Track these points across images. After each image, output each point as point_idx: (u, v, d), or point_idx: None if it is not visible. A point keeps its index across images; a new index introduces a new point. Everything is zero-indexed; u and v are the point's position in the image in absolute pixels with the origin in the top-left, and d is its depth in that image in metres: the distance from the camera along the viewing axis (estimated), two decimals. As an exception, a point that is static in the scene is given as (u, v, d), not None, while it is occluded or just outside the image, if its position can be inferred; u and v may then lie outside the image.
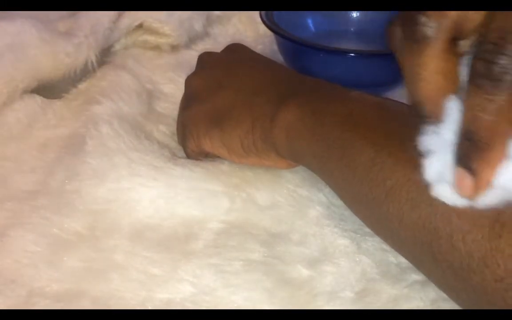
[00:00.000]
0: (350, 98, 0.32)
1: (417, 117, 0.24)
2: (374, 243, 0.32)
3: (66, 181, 0.37)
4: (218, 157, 0.38)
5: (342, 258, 0.32)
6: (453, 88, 0.23)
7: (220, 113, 0.36)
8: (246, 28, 0.60)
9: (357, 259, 0.32)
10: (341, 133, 0.30)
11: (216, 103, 0.37)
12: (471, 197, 0.22)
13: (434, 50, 0.23)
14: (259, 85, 0.36)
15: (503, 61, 0.20)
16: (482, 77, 0.21)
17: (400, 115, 0.30)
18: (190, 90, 0.39)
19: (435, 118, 0.24)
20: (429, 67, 0.23)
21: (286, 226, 0.34)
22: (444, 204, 0.24)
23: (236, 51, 0.42)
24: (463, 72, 0.23)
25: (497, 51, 0.20)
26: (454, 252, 0.24)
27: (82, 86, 0.49)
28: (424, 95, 0.24)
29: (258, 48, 0.57)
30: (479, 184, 0.22)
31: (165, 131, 0.41)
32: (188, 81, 0.40)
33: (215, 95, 0.37)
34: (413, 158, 0.25)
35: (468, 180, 0.22)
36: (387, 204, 0.27)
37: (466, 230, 0.23)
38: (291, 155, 0.34)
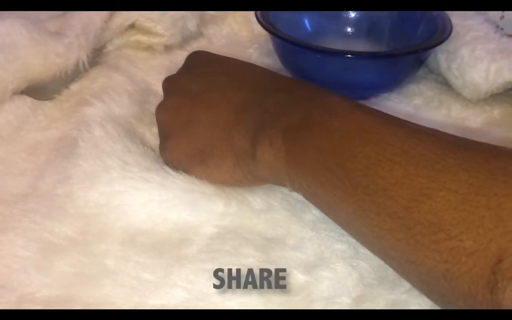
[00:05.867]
0: (315, 132, 0.30)
1: None
2: (372, 247, 0.32)
3: (57, 184, 0.36)
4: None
5: (339, 263, 0.32)
6: None
7: (200, 150, 0.35)
8: (241, 28, 0.60)
9: (354, 264, 0.32)
10: (317, 180, 0.30)
11: (192, 140, 0.36)
12: None
13: None
14: (232, 116, 0.35)
15: None
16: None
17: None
18: (161, 126, 0.39)
19: None
20: None
21: (281, 231, 0.34)
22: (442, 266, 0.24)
23: (197, 65, 0.41)
24: None
25: None
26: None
27: (74, 87, 0.48)
28: None
29: (253, 47, 0.57)
30: None
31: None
32: (158, 115, 0.39)
33: (188, 130, 0.36)
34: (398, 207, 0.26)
35: None
36: (385, 260, 0.28)
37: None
38: (282, 185, 0.34)
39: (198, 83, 0.38)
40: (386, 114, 0.30)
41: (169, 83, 0.40)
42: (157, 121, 0.39)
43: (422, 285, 0.26)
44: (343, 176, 0.28)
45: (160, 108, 0.39)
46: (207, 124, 0.36)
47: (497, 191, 0.23)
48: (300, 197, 0.34)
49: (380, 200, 0.26)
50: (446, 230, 0.24)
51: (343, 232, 0.33)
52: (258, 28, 0.49)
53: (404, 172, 0.26)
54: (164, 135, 0.38)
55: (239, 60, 0.40)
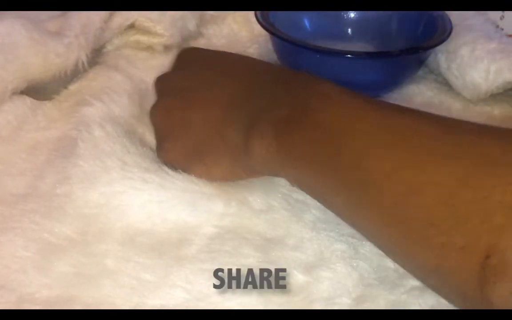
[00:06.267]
0: (303, 125, 0.30)
1: None
2: (372, 247, 0.32)
3: (57, 184, 0.36)
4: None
5: (339, 263, 0.32)
6: None
7: (196, 150, 0.36)
8: (241, 28, 0.60)
9: (354, 264, 0.32)
10: (309, 172, 0.30)
11: (188, 140, 0.36)
12: None
13: None
14: (223, 112, 0.35)
15: None
16: None
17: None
18: (156, 128, 0.39)
19: None
20: None
21: (281, 231, 0.34)
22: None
23: (188, 63, 0.41)
24: None
25: None
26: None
27: (73, 87, 0.48)
28: None
29: (253, 47, 0.57)
30: None
31: (158, 133, 0.40)
32: (152, 117, 0.39)
33: (182, 131, 0.36)
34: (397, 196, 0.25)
35: None
36: (384, 252, 0.28)
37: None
38: (280, 177, 0.34)
39: (189, 81, 0.38)
40: (373, 100, 0.30)
41: (160, 84, 0.40)
42: (152, 123, 0.39)
43: (420, 278, 0.26)
44: (333, 169, 0.28)
45: (153, 110, 0.38)
46: (200, 122, 0.36)
47: (482, 184, 0.23)
48: (300, 197, 0.34)
49: (371, 193, 0.26)
50: (436, 225, 0.23)
51: (343, 232, 0.33)
52: (258, 28, 0.49)
53: (393, 165, 0.25)
54: (160, 137, 0.38)
55: (229, 53, 0.40)
